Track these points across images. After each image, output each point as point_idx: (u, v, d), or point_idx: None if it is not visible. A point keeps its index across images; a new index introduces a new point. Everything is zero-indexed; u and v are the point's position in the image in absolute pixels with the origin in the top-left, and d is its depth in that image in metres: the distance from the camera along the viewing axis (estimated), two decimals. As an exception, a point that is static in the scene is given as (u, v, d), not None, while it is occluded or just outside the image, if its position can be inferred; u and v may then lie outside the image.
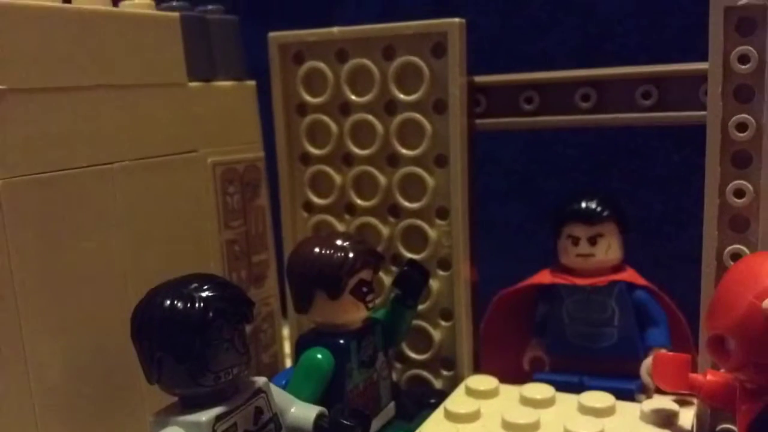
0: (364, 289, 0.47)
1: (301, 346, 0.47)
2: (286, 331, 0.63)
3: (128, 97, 0.48)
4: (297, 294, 0.48)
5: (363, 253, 0.47)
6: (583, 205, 0.55)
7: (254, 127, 0.59)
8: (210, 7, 0.56)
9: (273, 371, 0.59)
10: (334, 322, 0.48)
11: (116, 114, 0.47)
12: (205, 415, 0.37)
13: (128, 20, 0.48)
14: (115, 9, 0.47)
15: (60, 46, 0.43)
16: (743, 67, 0.44)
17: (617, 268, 0.56)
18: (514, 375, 0.56)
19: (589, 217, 0.54)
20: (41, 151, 0.42)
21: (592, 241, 0.55)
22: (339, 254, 0.46)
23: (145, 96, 0.49)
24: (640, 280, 0.55)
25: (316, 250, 0.47)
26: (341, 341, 0.47)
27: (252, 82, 0.58)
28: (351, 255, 0.46)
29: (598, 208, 0.54)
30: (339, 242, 0.47)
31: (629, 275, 0.55)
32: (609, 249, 0.55)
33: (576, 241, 0.55)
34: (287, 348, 0.63)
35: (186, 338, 0.36)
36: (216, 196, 0.55)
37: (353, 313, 0.48)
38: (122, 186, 0.47)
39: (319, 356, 0.46)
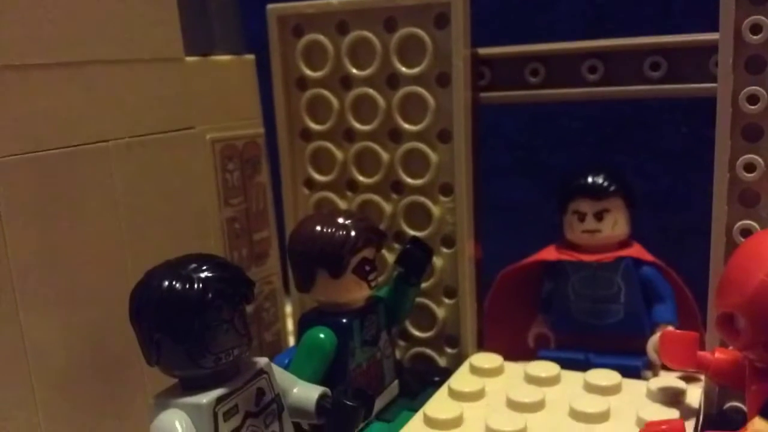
0: (367, 268, 0.47)
1: (303, 325, 0.47)
2: (288, 309, 0.63)
3: (124, 73, 0.47)
4: (299, 273, 0.48)
5: (365, 230, 0.47)
6: (590, 180, 0.54)
7: (253, 102, 0.58)
8: (207, -21, 0.55)
9: (276, 350, 0.58)
10: (337, 300, 0.47)
11: (112, 90, 0.46)
12: (206, 397, 0.36)
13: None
14: (109, -18, 0.46)
15: (54, 21, 0.42)
16: (755, 37, 0.43)
17: (624, 244, 0.55)
18: (518, 352, 0.55)
19: (595, 192, 0.54)
20: (36, 128, 0.42)
21: (599, 216, 0.54)
22: (341, 232, 0.46)
23: (142, 71, 0.48)
24: (647, 256, 0.54)
25: (318, 228, 0.46)
26: (344, 320, 0.46)
27: (251, 56, 0.57)
28: (353, 233, 0.46)
29: (605, 183, 0.54)
30: (341, 220, 0.46)
31: (636, 251, 0.55)
32: (616, 224, 0.54)
33: (582, 217, 0.54)
34: (290, 326, 0.63)
35: (185, 320, 0.36)
36: (215, 173, 0.54)
37: (356, 292, 0.47)
38: (119, 164, 0.46)
39: (322, 335, 0.46)
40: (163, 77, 0.50)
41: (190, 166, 0.52)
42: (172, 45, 0.51)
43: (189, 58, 0.52)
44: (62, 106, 0.43)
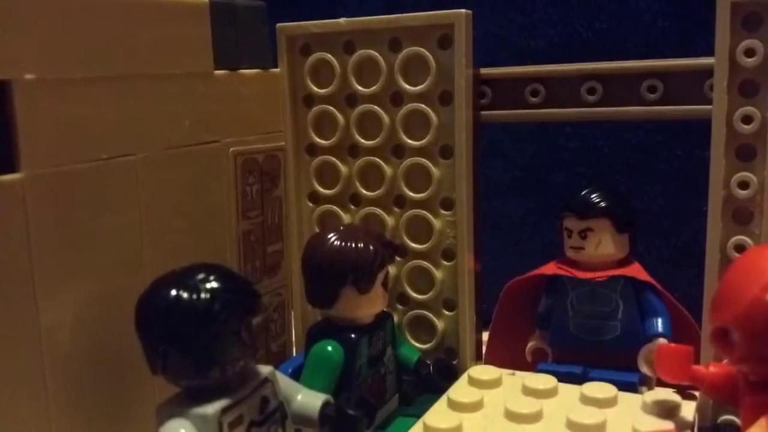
0: (387, 281, 0.49)
1: (312, 337, 0.48)
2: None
3: (154, 87, 0.47)
4: (321, 289, 0.48)
5: (385, 246, 0.48)
6: (577, 198, 0.54)
7: (275, 115, 0.58)
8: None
9: (281, 361, 0.59)
10: (356, 315, 0.48)
11: (142, 104, 0.46)
12: (212, 408, 0.36)
13: (158, 8, 0.47)
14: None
15: (87, 35, 0.43)
16: (749, 60, 0.44)
17: (622, 263, 0.55)
18: (517, 367, 0.56)
19: (579, 211, 0.54)
20: (66, 142, 0.42)
21: (582, 234, 0.54)
22: (369, 248, 0.47)
23: (171, 86, 0.49)
24: (644, 276, 0.55)
25: (343, 244, 0.47)
26: (353, 335, 0.47)
27: (277, 70, 0.57)
28: (379, 248, 0.47)
29: (590, 204, 0.54)
30: (363, 236, 0.47)
31: (633, 270, 0.55)
32: (600, 244, 0.54)
33: (570, 233, 0.55)
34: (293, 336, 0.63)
35: (191, 331, 0.36)
36: (236, 186, 0.54)
37: (379, 305, 0.49)
38: (144, 176, 0.47)
39: (330, 349, 0.46)
40: (192, 91, 0.50)
41: (212, 179, 0.52)
42: (202, 59, 0.51)
43: (217, 72, 0.52)
44: (92, 119, 0.43)
